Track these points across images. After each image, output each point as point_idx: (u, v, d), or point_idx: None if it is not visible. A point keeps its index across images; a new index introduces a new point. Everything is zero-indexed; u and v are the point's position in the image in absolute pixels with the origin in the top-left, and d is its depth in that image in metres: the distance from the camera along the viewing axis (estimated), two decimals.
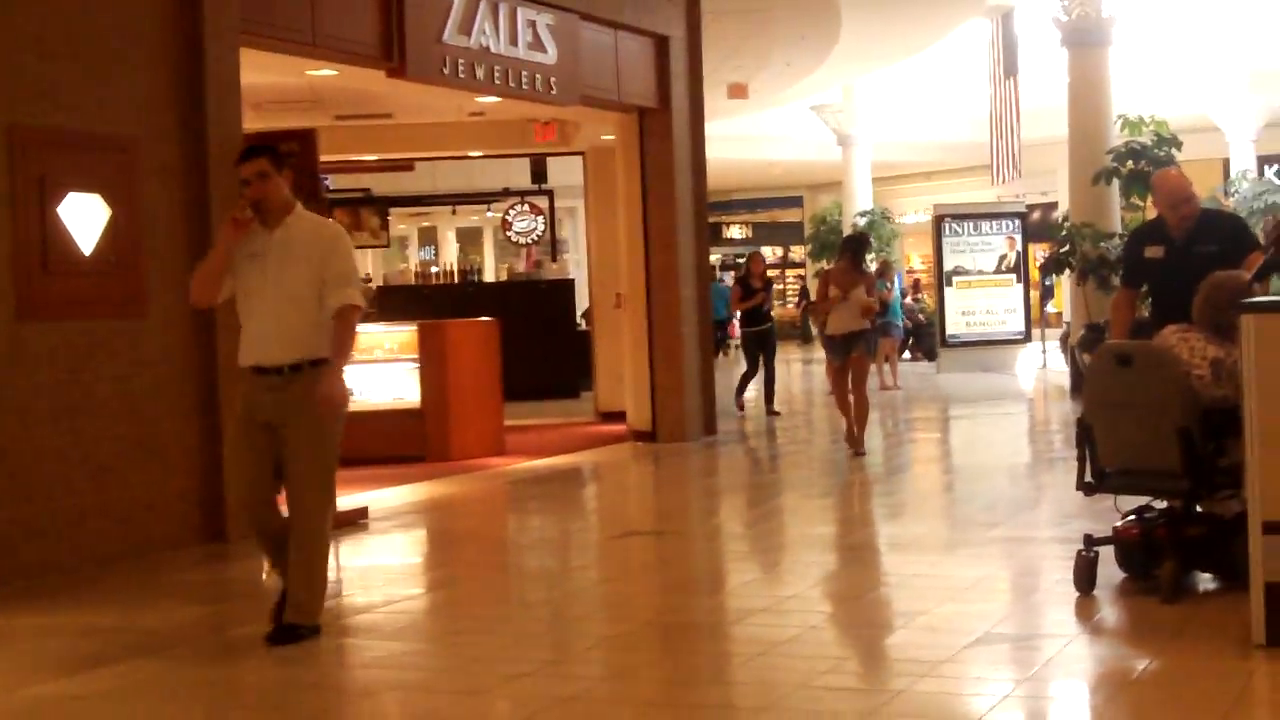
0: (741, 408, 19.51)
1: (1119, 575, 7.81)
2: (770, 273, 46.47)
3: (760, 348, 19.52)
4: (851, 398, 14.20)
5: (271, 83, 14.01)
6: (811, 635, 7.03)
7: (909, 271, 38.20)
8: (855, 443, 14.14)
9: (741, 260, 47.11)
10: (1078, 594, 7.53)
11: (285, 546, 7.28)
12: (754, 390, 19.68)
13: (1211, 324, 7.55)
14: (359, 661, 7.15)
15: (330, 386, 7.11)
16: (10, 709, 6.22)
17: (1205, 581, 7.66)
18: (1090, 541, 7.64)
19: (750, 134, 32.89)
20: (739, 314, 19.68)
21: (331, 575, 9.42)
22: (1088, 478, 7.81)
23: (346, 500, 10.98)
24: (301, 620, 7.19)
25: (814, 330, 23.68)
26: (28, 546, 9.01)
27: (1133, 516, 7.81)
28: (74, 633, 7.71)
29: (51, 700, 6.33)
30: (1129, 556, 7.78)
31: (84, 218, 9.52)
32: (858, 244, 15.00)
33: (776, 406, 19.42)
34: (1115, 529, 7.79)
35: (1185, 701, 5.84)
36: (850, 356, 14.16)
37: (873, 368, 23.94)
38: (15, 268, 9.07)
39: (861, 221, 33.90)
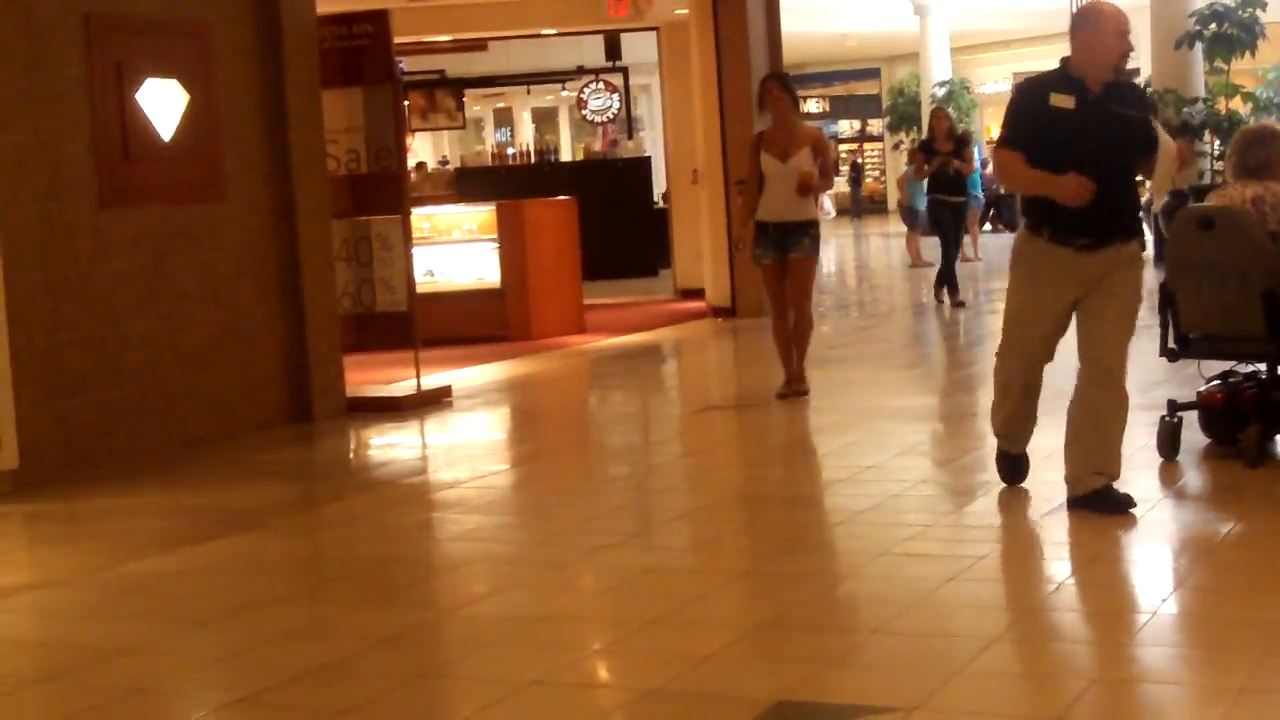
0: (957, 296, 16.15)
1: (1203, 441, 7.79)
2: (847, 147, 46.38)
3: (954, 221, 16.59)
4: (791, 317, 10.27)
5: None
6: (892, 504, 7.07)
7: (989, 142, 37.77)
8: (794, 380, 10.34)
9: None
10: (1161, 459, 7.52)
11: None
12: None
13: (1243, 167, 7.60)
14: (446, 535, 7.26)
15: None
16: (106, 586, 6.37)
17: None
18: (1174, 407, 7.62)
19: (825, 5, 32.49)
20: (925, 183, 16.81)
21: (416, 452, 9.59)
22: (1171, 344, 7.77)
23: (430, 379, 11.09)
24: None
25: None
26: (118, 430, 9.16)
27: (1217, 381, 7.77)
28: (165, 512, 7.87)
29: (145, 576, 6.47)
30: (1213, 421, 7.75)
31: (162, 103, 9.57)
32: (788, 83, 10.31)
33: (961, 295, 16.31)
34: (1199, 394, 7.76)
35: (1269, 564, 5.83)
36: (788, 257, 10.07)
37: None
38: (97, 155, 9.13)
39: (941, 92, 33.50)
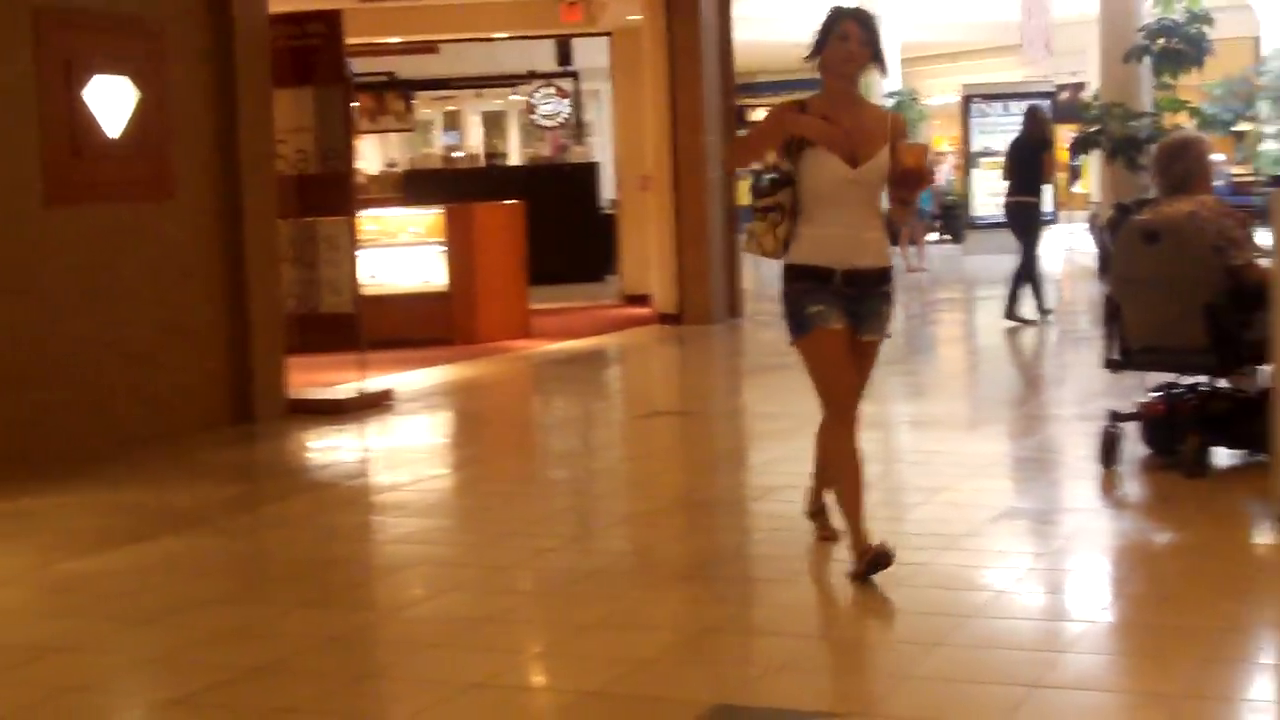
0: (1038, 307, 14.88)
1: (1143, 451, 7.84)
2: None
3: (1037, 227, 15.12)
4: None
5: None
6: (834, 511, 7.08)
7: (937, 153, 37.92)
8: (818, 512, 6.53)
9: None
10: (1101, 469, 7.57)
11: None
12: None
13: (1167, 185, 7.70)
14: (387, 537, 7.23)
15: None
16: (43, 583, 6.32)
17: (1229, 457, 7.67)
18: (1115, 417, 7.67)
19: (777, 14, 32.56)
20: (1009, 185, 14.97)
21: (357, 455, 9.56)
22: (1114, 355, 7.82)
23: (374, 382, 11.06)
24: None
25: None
26: (61, 429, 9.08)
27: (1158, 393, 7.83)
28: (107, 510, 7.81)
29: (84, 575, 6.42)
30: (1153, 432, 7.80)
31: (111, 101, 9.50)
32: (872, 27, 5.95)
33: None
34: (1140, 405, 7.81)
35: (1206, 573, 5.88)
36: (860, 335, 6.00)
37: (896, 250, 23.86)
38: (44, 152, 9.05)
39: (890, 103, 33.64)
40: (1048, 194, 15.46)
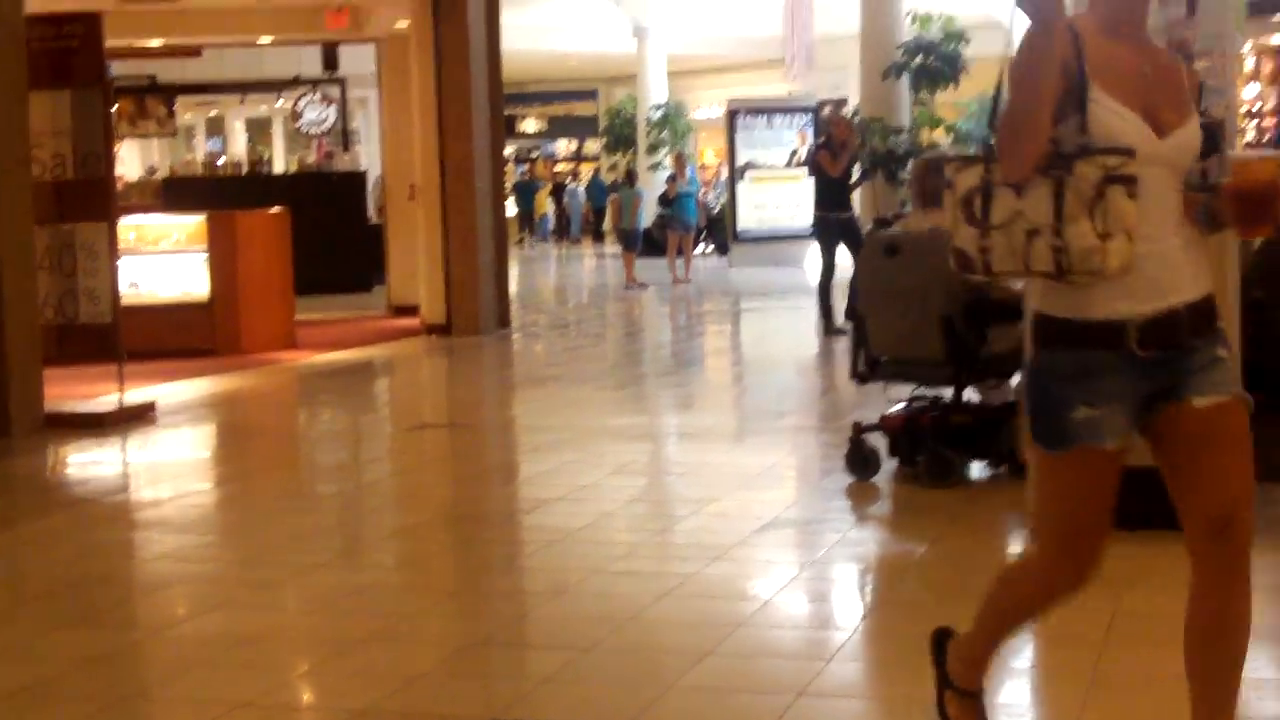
0: (833, 325, 14.53)
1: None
2: (562, 167, 46.54)
3: (844, 237, 14.78)
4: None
5: None
6: (605, 523, 7.14)
7: (702, 166, 38.36)
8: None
9: (536, 155, 46.94)
10: (856, 480, 7.72)
11: None
12: None
13: (922, 195, 7.95)
14: (149, 555, 7.08)
15: None
16: None
17: (984, 469, 7.88)
18: (859, 429, 7.81)
19: (545, 24, 32.65)
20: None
21: (118, 470, 9.35)
22: (861, 367, 7.99)
23: (135, 394, 10.82)
24: None
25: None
26: None
27: (903, 405, 7.99)
28: None
29: None
30: (896, 443, 7.93)
31: None
32: None
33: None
34: (883, 416, 7.96)
35: (961, 583, 5.99)
36: (1184, 401, 3.51)
37: (664, 262, 24.08)
38: None
39: (656, 115, 33.92)
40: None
